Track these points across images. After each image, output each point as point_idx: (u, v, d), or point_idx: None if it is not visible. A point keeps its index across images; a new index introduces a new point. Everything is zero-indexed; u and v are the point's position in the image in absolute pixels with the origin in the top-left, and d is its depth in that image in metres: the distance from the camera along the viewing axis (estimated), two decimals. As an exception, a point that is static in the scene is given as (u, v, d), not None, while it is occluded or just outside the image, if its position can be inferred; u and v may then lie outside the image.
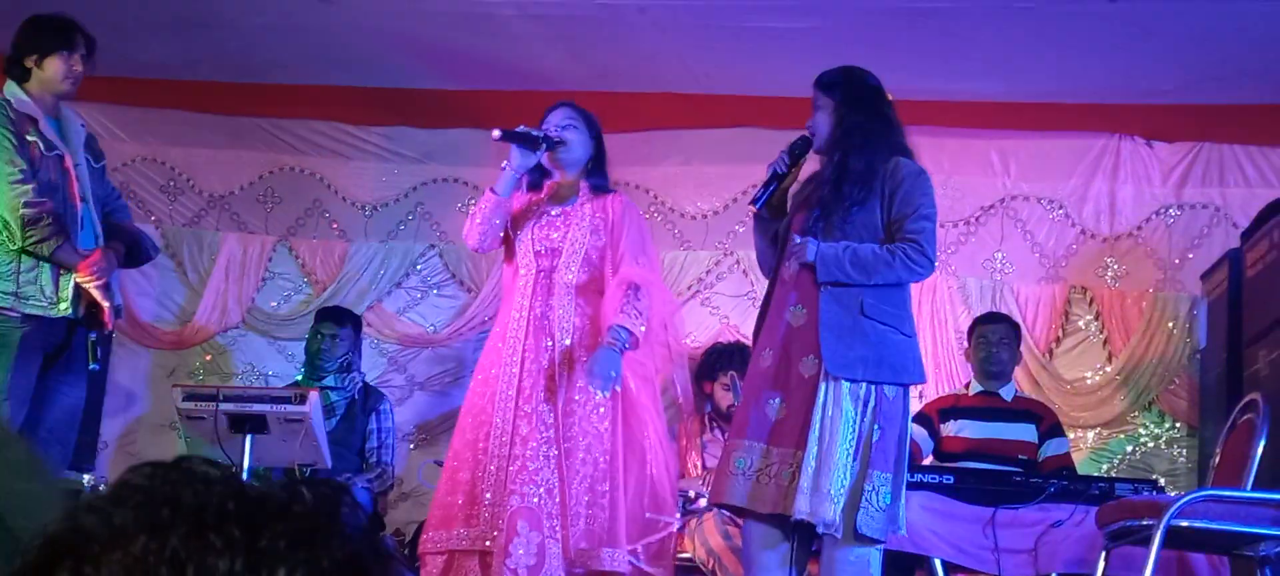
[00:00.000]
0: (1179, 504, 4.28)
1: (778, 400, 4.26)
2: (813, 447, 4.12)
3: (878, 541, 4.19)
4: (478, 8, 5.99)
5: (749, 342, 6.31)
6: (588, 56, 6.48)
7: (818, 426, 4.14)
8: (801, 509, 4.11)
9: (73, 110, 4.97)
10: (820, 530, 4.13)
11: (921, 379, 4.49)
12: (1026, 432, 5.86)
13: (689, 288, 6.94)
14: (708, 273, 6.98)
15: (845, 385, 4.16)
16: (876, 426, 4.17)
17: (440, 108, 7.11)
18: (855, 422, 4.15)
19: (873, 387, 4.19)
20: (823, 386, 4.17)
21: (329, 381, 6.38)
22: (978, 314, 6.38)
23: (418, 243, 7.21)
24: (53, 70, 4.76)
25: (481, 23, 6.13)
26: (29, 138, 4.66)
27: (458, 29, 6.24)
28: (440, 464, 6.11)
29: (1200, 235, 6.69)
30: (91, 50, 4.84)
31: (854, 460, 4.14)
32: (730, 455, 4.32)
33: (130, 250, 4.95)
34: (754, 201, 4.47)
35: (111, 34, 6.14)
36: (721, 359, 6.29)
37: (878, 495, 4.15)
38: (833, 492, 4.10)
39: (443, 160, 7.24)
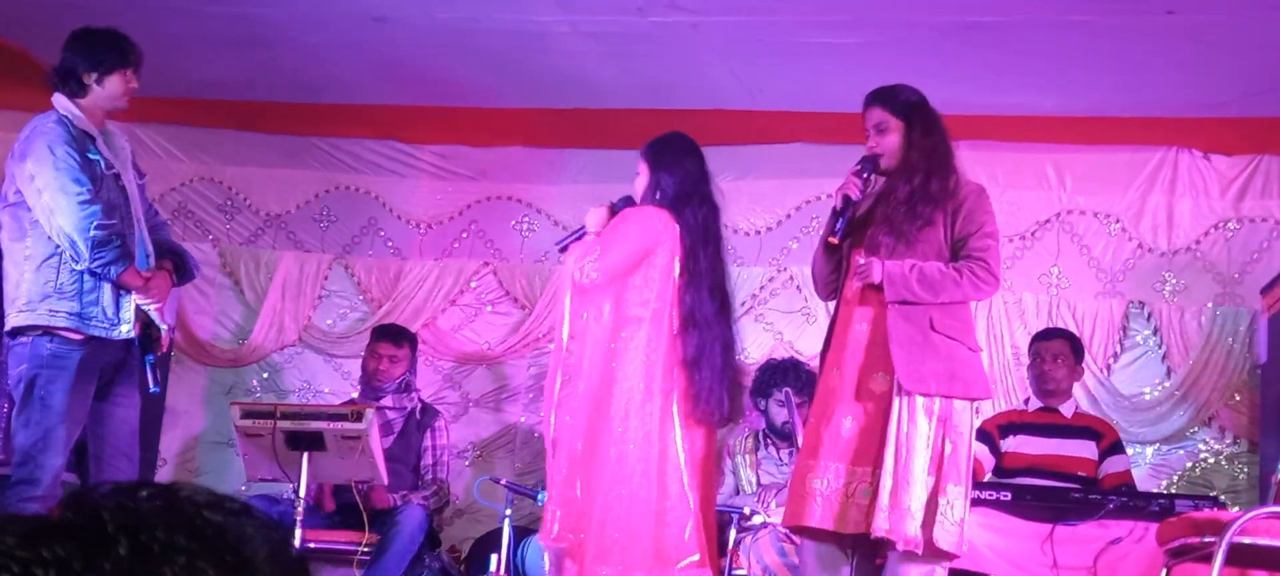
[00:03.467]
0: (1242, 520, 4.22)
1: (849, 418, 4.27)
2: (888, 464, 4.14)
3: (952, 555, 4.20)
4: (531, 25, 6.01)
5: (802, 358, 6.35)
6: (640, 73, 6.49)
7: (893, 442, 4.16)
8: (881, 526, 4.12)
9: (115, 125, 4.90)
10: (900, 547, 4.13)
11: (988, 394, 4.53)
12: (1086, 449, 5.81)
13: (742, 304, 6.93)
14: (761, 289, 6.97)
15: (919, 400, 4.18)
16: (948, 441, 4.19)
17: (494, 125, 7.14)
18: (929, 438, 4.16)
19: (944, 402, 4.20)
20: (897, 402, 4.19)
21: (387, 400, 6.41)
22: (1035, 330, 6.33)
23: (472, 260, 7.24)
24: (113, 88, 4.70)
25: (535, 40, 6.15)
26: (90, 155, 4.62)
27: (511, 47, 6.26)
28: (496, 481, 6.15)
29: (1260, 248, 6.61)
30: (141, 65, 4.80)
31: (929, 475, 4.15)
32: (806, 476, 4.32)
33: (177, 268, 4.91)
34: (833, 231, 4.43)
35: (169, 54, 6.22)
36: (775, 375, 6.27)
37: (952, 509, 4.16)
38: (913, 509, 4.11)
39: (497, 178, 7.27)
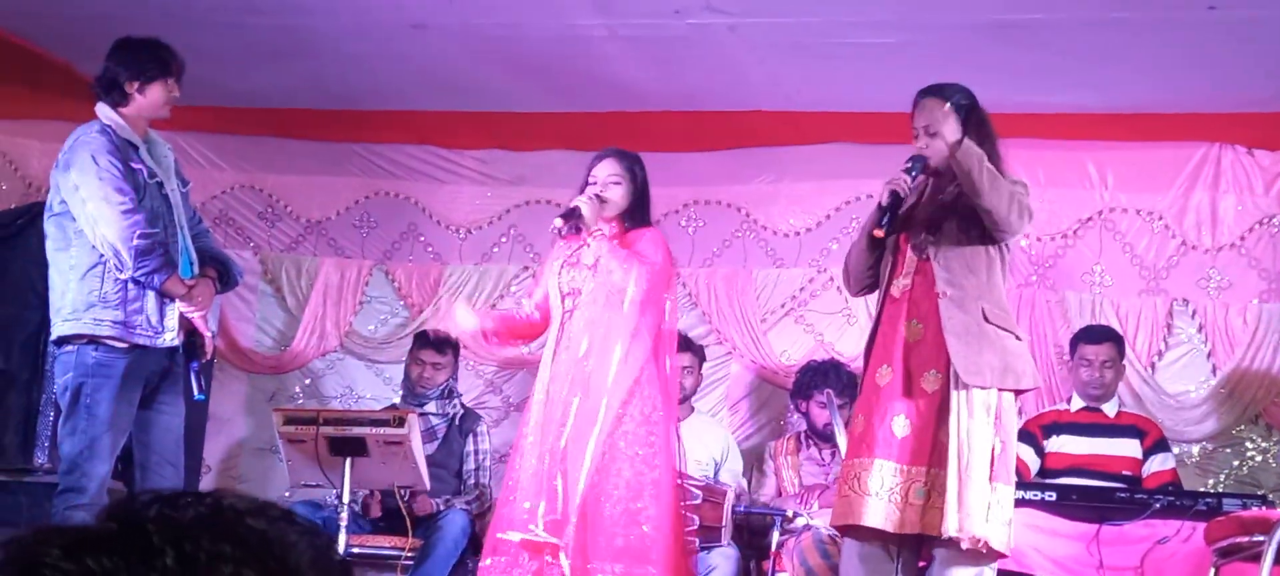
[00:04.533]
0: (1290, 519, 4.19)
1: (902, 417, 4.25)
2: (953, 462, 4.12)
3: (1001, 555, 4.18)
4: (569, 30, 6.02)
5: (843, 360, 6.33)
6: (678, 76, 6.49)
7: (955, 440, 4.13)
8: (950, 527, 4.09)
9: (158, 133, 4.93)
10: (965, 546, 4.11)
11: (1036, 382, 4.52)
12: (1131, 448, 5.77)
13: (782, 305, 6.92)
14: (801, 290, 6.95)
15: (976, 394, 4.16)
16: (999, 438, 4.17)
17: (533, 130, 7.15)
18: (987, 435, 4.15)
19: (997, 398, 4.19)
20: (955, 397, 4.17)
21: (431, 407, 6.43)
22: (1078, 327, 6.29)
23: (512, 265, 7.25)
24: (155, 96, 4.74)
25: (573, 45, 6.16)
26: (133, 164, 4.64)
27: (549, 52, 6.27)
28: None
29: (1305, 244, 6.55)
30: (182, 74, 4.82)
31: (987, 473, 4.14)
32: (858, 476, 4.29)
33: (221, 276, 4.94)
34: (880, 224, 4.40)
35: (210, 64, 6.26)
36: (816, 377, 6.26)
37: (1002, 508, 4.15)
38: (976, 508, 4.09)
39: (536, 182, 7.28)
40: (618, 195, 4.97)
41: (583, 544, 4.66)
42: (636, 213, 5.02)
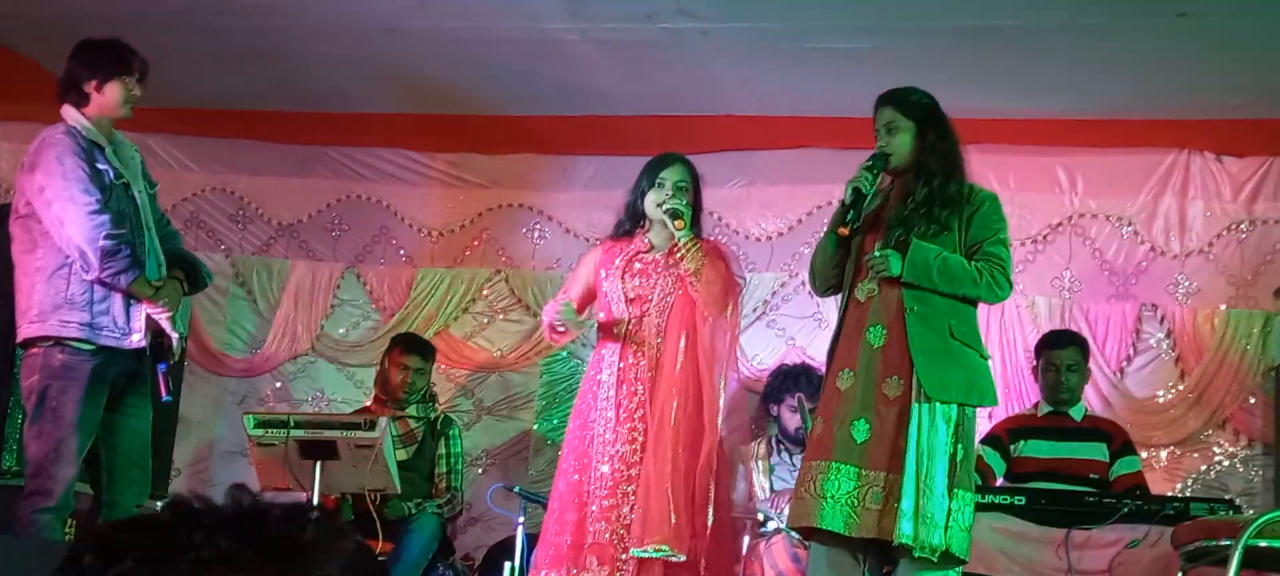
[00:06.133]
0: (1257, 523, 4.20)
1: (862, 421, 4.26)
2: (911, 471, 4.13)
3: (962, 561, 4.20)
4: (541, 34, 6.01)
5: (815, 364, 6.34)
6: (651, 80, 6.49)
7: (914, 449, 4.15)
8: (905, 533, 4.10)
9: (123, 135, 4.90)
10: (917, 553, 4.12)
11: (996, 401, 4.54)
12: (1097, 452, 5.79)
13: (754, 310, 6.93)
14: (773, 294, 6.96)
15: (939, 407, 4.18)
16: (960, 447, 4.19)
17: (505, 133, 7.14)
18: (947, 445, 4.16)
19: (960, 409, 4.21)
20: (916, 408, 4.18)
21: (411, 410, 6.41)
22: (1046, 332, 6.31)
23: (484, 268, 7.24)
24: (113, 95, 4.70)
25: (545, 48, 6.16)
26: (99, 165, 4.62)
27: (521, 55, 6.27)
28: (509, 488, 6.17)
29: (1273, 250, 6.60)
30: (145, 74, 4.79)
31: (947, 482, 4.16)
32: (815, 478, 4.30)
33: (189, 277, 4.91)
34: (844, 222, 4.40)
35: (181, 66, 6.24)
36: (787, 381, 6.27)
37: (963, 515, 4.17)
38: (936, 517, 4.11)
39: (508, 186, 7.28)
40: (691, 202, 5.03)
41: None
42: (697, 220, 5.04)
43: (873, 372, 4.29)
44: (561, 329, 5.07)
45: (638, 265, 5.04)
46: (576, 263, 5.45)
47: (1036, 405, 6.04)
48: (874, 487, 4.20)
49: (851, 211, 4.35)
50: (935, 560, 4.15)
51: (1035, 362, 6.09)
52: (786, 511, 5.80)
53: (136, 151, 4.91)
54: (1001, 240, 4.36)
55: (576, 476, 4.92)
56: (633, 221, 5.12)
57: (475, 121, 7.15)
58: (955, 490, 4.17)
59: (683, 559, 4.71)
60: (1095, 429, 5.88)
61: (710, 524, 4.80)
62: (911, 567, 4.19)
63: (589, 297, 5.18)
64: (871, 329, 4.34)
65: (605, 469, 4.86)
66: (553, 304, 5.11)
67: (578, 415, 5.06)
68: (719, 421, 4.91)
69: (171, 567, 0.95)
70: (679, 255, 4.94)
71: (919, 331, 4.25)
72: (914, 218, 4.36)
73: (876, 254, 4.34)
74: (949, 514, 4.14)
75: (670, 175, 5.04)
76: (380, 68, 6.53)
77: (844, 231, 4.41)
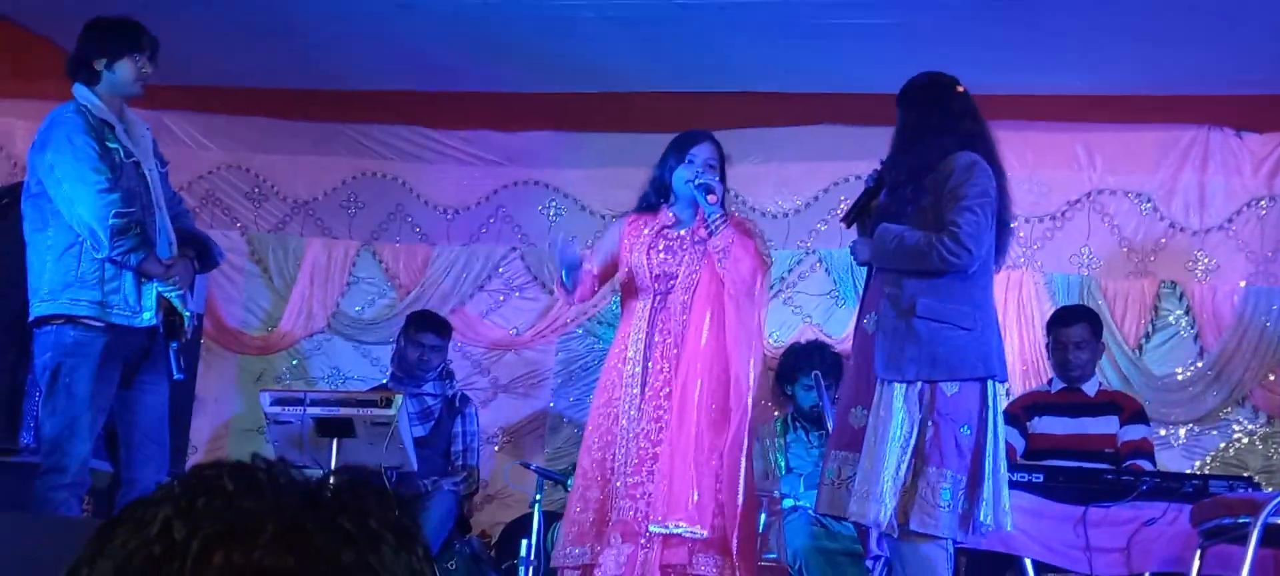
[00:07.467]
0: (1276, 500, 4.19)
1: (859, 408, 4.30)
2: (867, 449, 4.19)
3: (939, 538, 4.17)
4: (556, 10, 6.00)
5: (830, 341, 6.34)
6: (667, 56, 6.47)
7: (871, 428, 4.18)
8: (853, 510, 4.18)
9: (135, 113, 4.90)
10: (871, 528, 4.19)
11: (991, 373, 4.31)
12: (1110, 426, 5.76)
13: (771, 288, 6.89)
14: (790, 272, 6.94)
15: (897, 387, 4.19)
16: (931, 422, 4.15)
17: (520, 110, 7.13)
18: (904, 422, 4.15)
19: (928, 386, 4.17)
20: (877, 389, 4.20)
21: (429, 387, 6.41)
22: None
23: (500, 245, 7.23)
24: (124, 73, 4.70)
25: (560, 25, 6.14)
26: (109, 144, 4.62)
27: (536, 32, 6.25)
28: (526, 466, 6.17)
29: (1293, 227, 6.55)
30: (156, 51, 4.78)
31: (905, 457, 4.14)
32: (825, 465, 4.45)
33: (200, 255, 4.92)
34: (846, 216, 4.53)
35: (196, 43, 6.24)
36: (802, 359, 6.25)
37: (934, 492, 4.13)
38: (882, 493, 4.11)
39: (523, 163, 7.26)
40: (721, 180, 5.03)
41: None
42: (723, 199, 5.02)
43: (867, 358, 4.33)
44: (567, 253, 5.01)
45: (664, 242, 5.02)
46: (600, 234, 5.43)
47: (1050, 381, 6.01)
48: (850, 468, 4.26)
49: (851, 208, 4.53)
50: (896, 536, 4.18)
51: (1047, 340, 6.07)
52: (802, 488, 5.84)
53: (148, 129, 4.91)
54: (966, 205, 4.19)
55: (600, 453, 4.91)
56: (659, 195, 5.09)
57: (490, 98, 7.13)
58: (925, 467, 4.15)
59: (704, 535, 4.70)
60: (1108, 402, 5.85)
61: (741, 503, 4.77)
62: (895, 545, 4.26)
63: (611, 270, 5.16)
64: (866, 316, 4.41)
65: (630, 445, 4.85)
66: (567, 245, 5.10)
67: (602, 391, 5.03)
68: (748, 401, 4.86)
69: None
70: (707, 231, 4.91)
71: (886, 311, 4.28)
72: (884, 203, 4.42)
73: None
74: (915, 491, 4.14)
75: (701, 152, 5.01)
76: (396, 45, 6.52)
77: (844, 224, 4.61)
